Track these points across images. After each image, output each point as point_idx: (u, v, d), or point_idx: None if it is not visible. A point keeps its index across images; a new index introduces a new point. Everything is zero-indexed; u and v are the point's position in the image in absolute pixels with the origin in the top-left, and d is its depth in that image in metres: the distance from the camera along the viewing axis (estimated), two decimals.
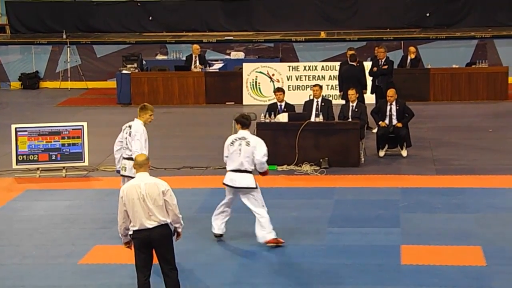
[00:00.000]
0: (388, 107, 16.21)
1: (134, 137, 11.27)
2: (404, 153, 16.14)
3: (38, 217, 12.82)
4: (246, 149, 11.04)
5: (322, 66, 22.07)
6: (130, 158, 11.25)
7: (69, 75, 25.30)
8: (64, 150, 15.27)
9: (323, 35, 25.07)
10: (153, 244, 8.76)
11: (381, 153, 16.18)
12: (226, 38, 25.32)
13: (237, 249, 11.13)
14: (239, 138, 11.14)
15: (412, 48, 21.83)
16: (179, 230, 8.97)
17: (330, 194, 13.71)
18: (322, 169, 15.15)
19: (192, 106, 22.00)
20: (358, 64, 18.73)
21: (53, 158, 15.26)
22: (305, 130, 15.43)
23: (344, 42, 23.99)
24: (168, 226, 8.77)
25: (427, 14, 25.59)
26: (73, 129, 15.37)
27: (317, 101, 16.31)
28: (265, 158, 11.16)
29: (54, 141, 15.26)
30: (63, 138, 15.28)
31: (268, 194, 13.68)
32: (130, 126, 11.45)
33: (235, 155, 11.07)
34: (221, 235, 11.39)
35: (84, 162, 15.31)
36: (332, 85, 21.43)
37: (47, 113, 21.11)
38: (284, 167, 15.36)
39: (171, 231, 8.84)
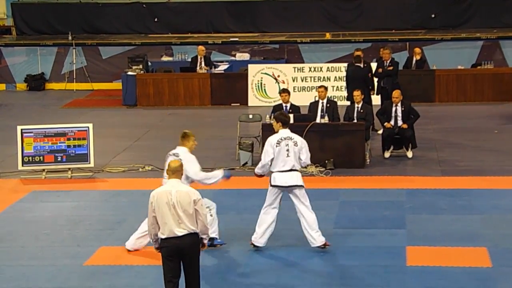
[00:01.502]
0: (394, 108, 16.19)
1: (188, 162, 10.41)
2: (409, 154, 16.13)
3: (44, 219, 12.83)
4: (295, 150, 10.76)
5: (327, 67, 22.07)
6: None
7: (74, 77, 25.34)
8: (69, 152, 15.28)
9: (328, 36, 25.07)
10: (183, 253, 8.53)
11: (387, 154, 16.17)
12: (231, 39, 25.35)
13: (241, 250, 11.12)
14: (285, 138, 10.79)
15: (417, 49, 21.82)
16: (204, 241, 8.74)
17: (335, 195, 13.70)
18: (327, 171, 15.14)
19: (198, 108, 22.02)
20: (365, 65, 18.73)
21: (59, 159, 15.27)
22: (311, 132, 15.39)
23: (350, 44, 24.01)
24: (197, 234, 8.59)
25: (433, 15, 25.58)
26: (78, 131, 15.38)
27: (323, 102, 16.31)
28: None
29: (59, 143, 15.28)
30: (68, 139, 15.30)
31: None
32: (175, 154, 10.68)
33: (283, 155, 10.73)
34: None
35: (89, 163, 15.32)
36: (337, 86, 21.44)
37: (53, 115, 21.15)
38: None
39: (199, 240, 8.64)
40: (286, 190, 10.87)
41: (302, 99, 18.81)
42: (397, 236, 11.56)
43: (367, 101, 17.20)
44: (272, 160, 10.80)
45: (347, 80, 18.73)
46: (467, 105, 21.18)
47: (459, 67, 22.14)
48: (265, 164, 10.89)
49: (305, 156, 10.86)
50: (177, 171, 8.65)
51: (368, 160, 15.74)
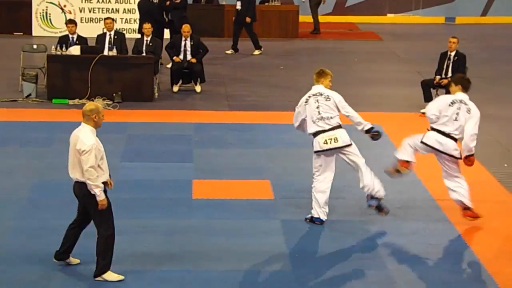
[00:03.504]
0: (183, 43, 16.17)
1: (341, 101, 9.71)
2: (198, 88, 16.22)
3: None
4: (466, 116, 9.65)
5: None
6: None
7: None
8: None
9: None
10: (77, 198, 8.29)
11: (175, 88, 16.17)
12: None
13: (26, 182, 10.77)
14: (460, 101, 9.71)
15: None
16: (97, 198, 8.13)
17: (123, 129, 13.53)
18: (115, 104, 14.94)
19: None
20: None
21: None
22: (98, 64, 15.11)
23: None
24: (84, 185, 8.13)
25: None
26: None
27: (110, 34, 16.01)
28: (475, 138, 9.69)
29: None
30: None
31: (58, 128, 13.41)
32: (317, 94, 9.75)
33: (451, 117, 9.67)
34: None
35: None
36: (126, 19, 21.09)
37: None
38: (76, 101, 15.02)
39: (89, 192, 8.15)
40: (434, 152, 9.85)
41: (89, 31, 18.39)
42: (184, 170, 11.63)
43: (156, 35, 17.03)
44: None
45: (139, 13, 18.48)
46: None
47: None
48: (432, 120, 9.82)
49: (471, 128, 9.60)
50: (85, 115, 8.19)
51: (156, 94, 15.67)
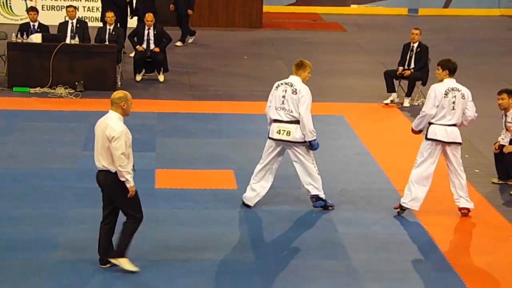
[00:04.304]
0: (146, 32, 16.08)
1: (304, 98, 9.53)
2: (161, 78, 16.15)
3: None
4: (462, 102, 9.69)
5: None
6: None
7: None
8: None
9: None
10: (101, 187, 8.21)
11: (138, 78, 16.08)
12: None
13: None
14: (452, 89, 9.69)
15: None
16: (127, 184, 8.09)
17: (85, 117, 13.40)
18: (77, 92, 14.82)
19: None
20: None
21: None
22: (60, 52, 14.97)
23: None
24: (112, 174, 8.06)
25: None
26: None
27: (72, 23, 15.87)
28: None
29: None
30: None
31: (19, 117, 13.31)
32: (288, 84, 9.64)
33: (448, 107, 9.64)
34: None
35: None
36: (88, 7, 20.93)
37: None
38: (37, 90, 14.88)
39: (118, 180, 8.07)
40: (444, 144, 9.79)
41: (51, 19, 18.19)
42: (146, 159, 11.56)
43: (121, 23, 16.89)
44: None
45: (102, 2, 18.32)
46: (219, 31, 21.50)
47: None
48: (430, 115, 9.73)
49: (472, 110, 9.78)
50: (114, 103, 8.16)
51: (119, 83, 15.57)
